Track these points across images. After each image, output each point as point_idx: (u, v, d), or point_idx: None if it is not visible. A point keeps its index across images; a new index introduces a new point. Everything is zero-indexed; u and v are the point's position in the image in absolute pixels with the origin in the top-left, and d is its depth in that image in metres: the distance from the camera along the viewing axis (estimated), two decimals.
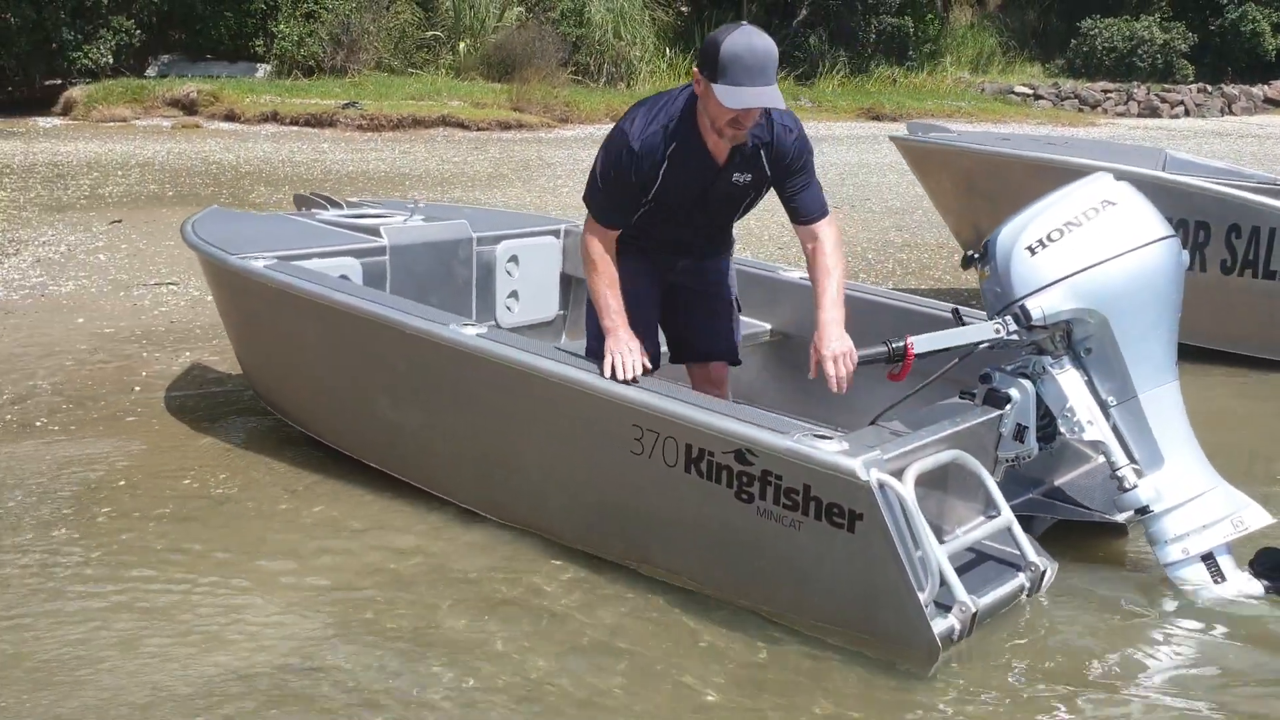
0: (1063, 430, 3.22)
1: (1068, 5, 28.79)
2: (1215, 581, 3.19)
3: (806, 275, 4.67)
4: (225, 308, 4.57)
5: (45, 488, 4.04)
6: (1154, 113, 25.59)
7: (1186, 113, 25.98)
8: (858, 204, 11.66)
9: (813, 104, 21.60)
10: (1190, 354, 6.03)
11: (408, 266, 4.70)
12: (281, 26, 19.86)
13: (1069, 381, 3.20)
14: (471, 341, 3.44)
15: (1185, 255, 3.28)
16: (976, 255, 3.36)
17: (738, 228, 3.78)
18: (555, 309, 5.31)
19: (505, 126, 17.78)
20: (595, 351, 3.37)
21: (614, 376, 3.15)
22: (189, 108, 17.49)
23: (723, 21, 23.96)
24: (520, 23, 21.72)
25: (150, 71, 19.70)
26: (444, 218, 5.00)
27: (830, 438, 2.86)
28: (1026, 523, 3.49)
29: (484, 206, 4.93)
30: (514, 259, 5.12)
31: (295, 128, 16.80)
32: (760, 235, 9.57)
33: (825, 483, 2.80)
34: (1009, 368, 3.28)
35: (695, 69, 3.13)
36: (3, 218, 9.47)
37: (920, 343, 3.15)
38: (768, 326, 4.69)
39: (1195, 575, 3.20)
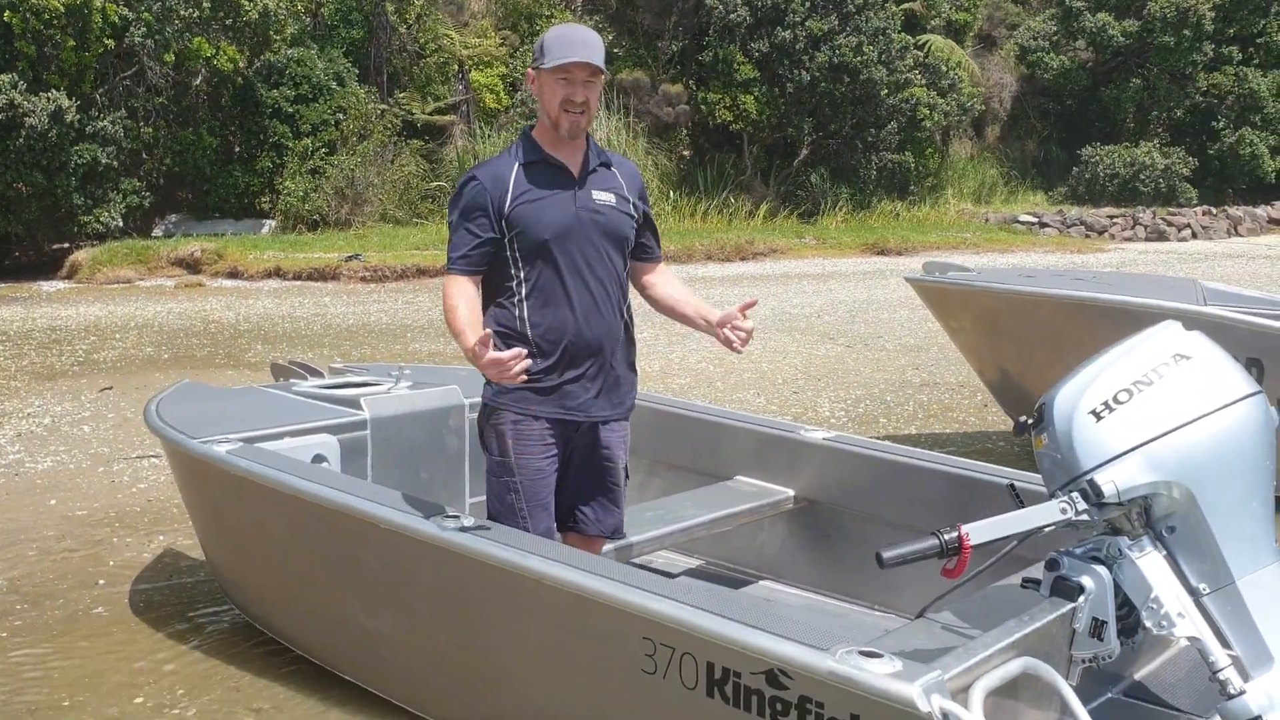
0: (1148, 624, 2.73)
1: (1065, 135, 29.08)
2: None
3: (832, 436, 4.29)
4: (187, 496, 4.14)
5: None
6: (1161, 236, 25.53)
7: (1194, 235, 25.93)
8: (871, 342, 11.32)
9: (817, 241, 21.53)
10: None
11: (391, 440, 4.29)
12: (287, 183, 20.00)
13: (1151, 566, 2.72)
14: (455, 538, 2.99)
15: (1274, 413, 2.83)
16: (1030, 421, 2.91)
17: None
18: None
19: None
20: (501, 513, 3.25)
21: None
22: (193, 266, 17.45)
23: (725, 165, 24.20)
24: None
25: (157, 231, 19.77)
26: (433, 383, 4.60)
27: (880, 655, 2.38)
28: None
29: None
30: None
31: (298, 282, 16.68)
32: (773, 378, 9.20)
33: (877, 713, 2.32)
34: (1079, 550, 2.81)
35: (529, 71, 3.22)
36: None
37: (976, 532, 2.69)
38: (790, 493, 4.25)
39: None
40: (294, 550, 3.55)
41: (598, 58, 3.14)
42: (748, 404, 8.24)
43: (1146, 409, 2.72)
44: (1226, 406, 2.72)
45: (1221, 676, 2.69)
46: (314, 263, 17.16)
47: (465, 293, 3.10)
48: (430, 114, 22.64)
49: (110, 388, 8.93)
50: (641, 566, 4.24)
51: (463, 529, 3.02)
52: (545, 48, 3.15)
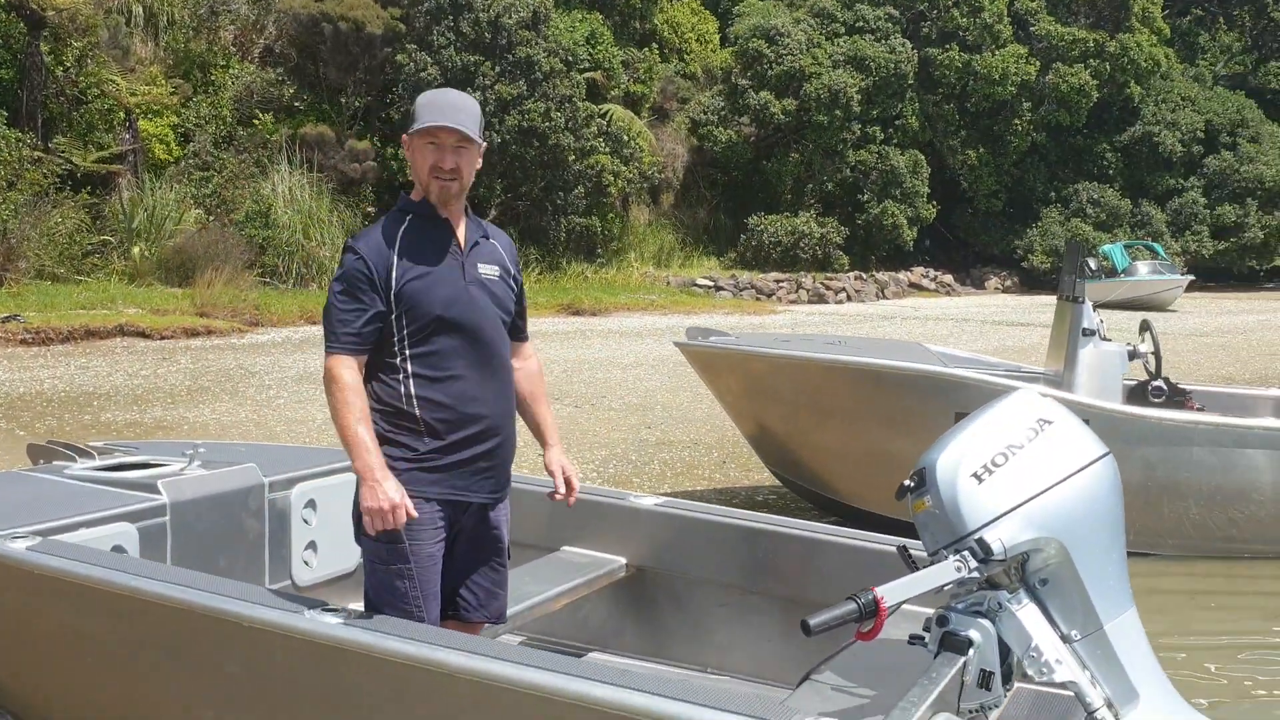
0: (1029, 671, 2.94)
1: (732, 204, 31.00)
2: None
3: (662, 502, 4.31)
4: None
5: None
6: (821, 299, 27.66)
7: (849, 298, 28.29)
8: (596, 401, 11.50)
9: None
10: None
11: (191, 526, 3.90)
12: None
13: (1030, 618, 2.93)
14: (337, 632, 2.75)
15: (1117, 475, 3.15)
16: (911, 485, 3.08)
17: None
18: (357, 557, 4.58)
19: (192, 334, 16.56)
20: (388, 603, 2.98)
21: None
22: None
23: None
24: (201, 225, 20.67)
25: None
26: (228, 462, 4.23)
27: None
28: None
29: (269, 443, 4.28)
30: (310, 504, 4.41)
31: None
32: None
33: None
34: (961, 606, 2.98)
35: (404, 137, 3.13)
36: None
37: (889, 594, 2.80)
38: (622, 560, 4.22)
39: None
40: (128, 659, 3.12)
41: (467, 123, 3.06)
42: None
43: (1021, 471, 2.95)
44: (1088, 466, 3.00)
45: (1098, 717, 2.93)
46: None
47: (356, 387, 2.91)
48: (94, 163, 20.93)
49: None
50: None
51: (346, 623, 2.79)
52: (415, 112, 3.07)
